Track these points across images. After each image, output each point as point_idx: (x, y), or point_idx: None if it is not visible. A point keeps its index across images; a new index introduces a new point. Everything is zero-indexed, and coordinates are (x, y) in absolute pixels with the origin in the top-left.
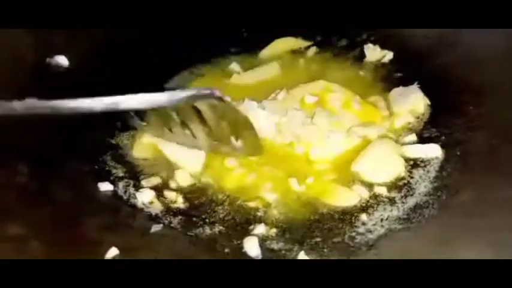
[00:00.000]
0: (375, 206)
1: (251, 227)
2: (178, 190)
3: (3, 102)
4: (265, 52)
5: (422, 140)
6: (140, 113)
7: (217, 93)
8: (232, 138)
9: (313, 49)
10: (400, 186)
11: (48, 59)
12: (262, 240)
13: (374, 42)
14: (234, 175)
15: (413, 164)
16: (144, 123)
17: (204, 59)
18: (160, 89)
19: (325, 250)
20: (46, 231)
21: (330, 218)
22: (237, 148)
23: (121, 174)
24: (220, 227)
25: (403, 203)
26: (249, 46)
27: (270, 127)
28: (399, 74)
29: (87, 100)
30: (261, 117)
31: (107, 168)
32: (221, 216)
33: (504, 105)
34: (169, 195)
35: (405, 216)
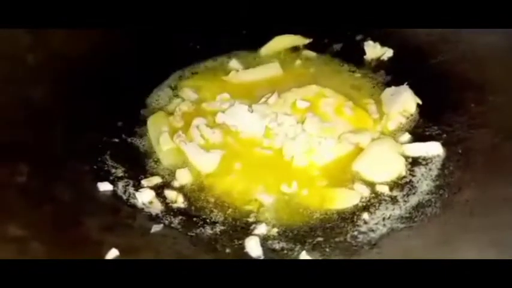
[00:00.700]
0: (377, 204)
1: (252, 226)
2: (179, 189)
3: None
4: (265, 49)
5: (423, 138)
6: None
7: None
8: None
9: (313, 47)
10: (402, 184)
11: None
12: (264, 240)
13: (374, 40)
14: (228, 178)
15: (415, 162)
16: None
17: (203, 56)
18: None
19: (327, 250)
20: (46, 232)
21: (332, 217)
22: None
23: (120, 174)
24: (221, 227)
25: (405, 201)
26: (248, 43)
27: (259, 131)
28: (398, 73)
29: None
30: (250, 120)
31: (106, 168)
32: (222, 216)
33: (506, 102)
34: (170, 194)
35: (407, 215)
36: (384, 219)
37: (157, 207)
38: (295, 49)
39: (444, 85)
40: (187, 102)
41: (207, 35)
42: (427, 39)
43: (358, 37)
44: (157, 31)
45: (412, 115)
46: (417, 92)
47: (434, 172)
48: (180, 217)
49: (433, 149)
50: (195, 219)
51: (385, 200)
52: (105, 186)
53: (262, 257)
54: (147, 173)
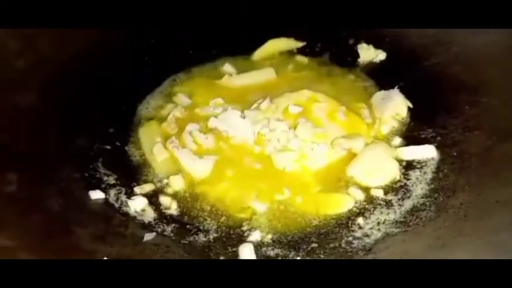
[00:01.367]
0: (372, 209)
1: (246, 233)
2: (173, 196)
3: None
4: (259, 53)
5: (418, 141)
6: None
7: None
8: None
9: (306, 50)
10: (396, 188)
11: None
12: (258, 247)
13: (368, 42)
14: (221, 186)
15: (410, 165)
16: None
17: (197, 60)
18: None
19: (321, 256)
20: (36, 242)
21: (326, 223)
22: None
23: (112, 182)
24: (215, 235)
25: (400, 205)
26: (242, 47)
27: (251, 137)
28: (392, 75)
29: None
30: (242, 126)
31: (98, 176)
32: (215, 223)
33: (499, 104)
34: (164, 200)
35: (402, 219)
36: (378, 223)
37: (149, 215)
38: (289, 53)
39: (438, 87)
40: (180, 108)
41: (200, 39)
42: (420, 42)
43: (352, 40)
44: (150, 35)
45: (403, 118)
46: (411, 95)
47: (429, 175)
48: (173, 225)
49: (427, 152)
50: (188, 226)
51: (380, 205)
52: (96, 195)
53: None
54: (139, 181)
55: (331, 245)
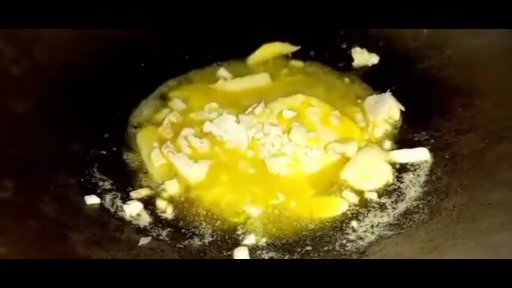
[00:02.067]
0: (366, 212)
1: (241, 237)
2: (169, 200)
3: None
4: (253, 57)
5: (411, 143)
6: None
7: None
8: None
9: (300, 55)
10: (390, 191)
11: None
12: (252, 251)
13: (361, 46)
14: (215, 190)
15: (403, 168)
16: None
17: (192, 64)
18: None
19: (316, 259)
20: (31, 247)
21: (321, 226)
22: None
23: (108, 187)
24: (210, 238)
25: (393, 208)
26: (237, 51)
27: (245, 142)
28: (386, 79)
29: None
30: (237, 131)
31: (94, 181)
32: (210, 227)
33: (493, 107)
34: (160, 204)
35: (396, 222)
36: (372, 226)
37: (145, 220)
38: (284, 57)
39: (431, 90)
40: (175, 113)
41: (195, 44)
42: (414, 45)
43: (345, 44)
44: (145, 40)
45: (396, 121)
46: (405, 98)
47: (422, 178)
48: (168, 229)
49: (421, 155)
50: (183, 230)
51: (373, 207)
52: (92, 200)
53: None
54: (135, 186)
55: (325, 248)
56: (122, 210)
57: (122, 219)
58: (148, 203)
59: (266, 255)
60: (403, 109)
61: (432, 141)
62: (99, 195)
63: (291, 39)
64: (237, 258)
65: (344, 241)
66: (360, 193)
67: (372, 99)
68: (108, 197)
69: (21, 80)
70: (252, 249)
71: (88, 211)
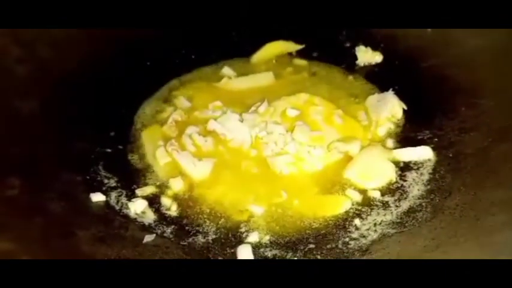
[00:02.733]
0: (369, 210)
1: (244, 235)
2: (173, 198)
3: None
4: (257, 56)
5: (415, 142)
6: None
7: None
8: None
9: (304, 53)
10: (393, 190)
11: None
12: (256, 248)
13: (365, 44)
14: (219, 188)
15: (407, 167)
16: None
17: (196, 63)
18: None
19: (318, 256)
20: (37, 244)
21: (324, 225)
22: None
23: (113, 184)
24: (214, 236)
25: (396, 206)
26: (241, 50)
27: (248, 141)
28: (389, 77)
29: None
30: (240, 130)
31: (99, 179)
32: (214, 225)
33: (495, 106)
34: (165, 201)
35: (399, 220)
36: (375, 224)
37: (149, 217)
38: (288, 55)
39: (435, 89)
40: (179, 111)
41: (200, 43)
42: (418, 44)
43: (349, 43)
44: (150, 39)
45: (399, 120)
46: (408, 96)
47: (426, 177)
48: (172, 226)
49: (424, 154)
50: (187, 228)
51: (376, 206)
52: (97, 197)
53: None
54: (140, 183)
55: (328, 246)
56: (127, 208)
57: (126, 217)
58: (153, 201)
59: (269, 253)
60: (405, 108)
61: (436, 139)
62: (105, 193)
63: (294, 38)
64: (241, 255)
65: (347, 239)
66: (363, 191)
67: (374, 98)
68: (113, 194)
69: (27, 81)
70: (256, 246)
71: (93, 208)
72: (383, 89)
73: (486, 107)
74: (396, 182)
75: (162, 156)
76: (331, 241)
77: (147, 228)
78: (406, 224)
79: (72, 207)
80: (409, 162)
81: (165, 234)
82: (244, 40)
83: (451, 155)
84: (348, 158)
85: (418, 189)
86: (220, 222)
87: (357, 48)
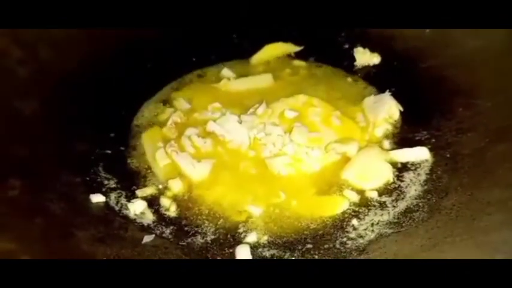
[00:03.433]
0: (366, 210)
1: (242, 235)
2: (172, 199)
3: None
4: (257, 57)
5: (413, 143)
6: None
7: None
8: None
9: (303, 54)
10: (390, 190)
11: None
12: (254, 248)
13: (364, 45)
14: (218, 189)
15: (404, 167)
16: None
17: (195, 65)
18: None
19: (316, 256)
20: (37, 244)
21: (321, 224)
22: None
23: (113, 186)
24: (212, 236)
25: (394, 207)
26: (240, 51)
27: (246, 142)
28: (387, 78)
29: None
30: (238, 131)
31: (99, 180)
32: (213, 226)
33: (493, 106)
34: (164, 202)
35: (396, 220)
36: (372, 224)
37: (149, 218)
38: (287, 57)
39: (433, 90)
40: (179, 113)
41: (199, 44)
42: (416, 45)
43: (348, 44)
44: (149, 41)
45: (395, 121)
46: (406, 97)
47: (423, 177)
48: (171, 227)
49: (421, 154)
50: (186, 229)
51: (374, 206)
52: (97, 198)
53: None
54: (139, 184)
55: (326, 246)
56: (127, 209)
57: (126, 217)
58: (152, 202)
59: (267, 253)
60: (401, 109)
61: (433, 140)
62: (104, 194)
63: (293, 39)
64: (239, 255)
65: (344, 239)
66: (360, 192)
67: (370, 100)
68: (113, 195)
69: (27, 82)
70: (254, 247)
71: (93, 209)
72: (381, 90)
73: (483, 107)
74: (393, 182)
75: (161, 157)
76: (328, 241)
77: (146, 229)
78: (403, 224)
79: (72, 208)
80: (407, 162)
81: (164, 235)
82: (243, 42)
83: (448, 156)
84: (346, 159)
85: (415, 190)
86: (219, 223)
87: (355, 50)
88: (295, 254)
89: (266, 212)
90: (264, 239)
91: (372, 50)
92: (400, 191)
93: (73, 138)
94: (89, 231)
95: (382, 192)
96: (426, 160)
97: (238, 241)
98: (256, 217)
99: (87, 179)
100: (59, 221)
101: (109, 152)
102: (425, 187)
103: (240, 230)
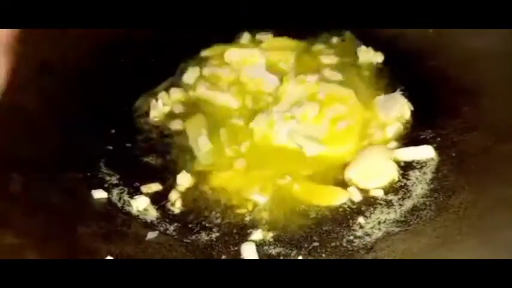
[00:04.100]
0: (372, 209)
1: (248, 231)
2: (178, 194)
3: None
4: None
5: (418, 142)
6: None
7: None
8: None
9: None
10: (397, 188)
11: None
12: (260, 246)
13: (367, 45)
14: (223, 176)
15: (410, 166)
16: None
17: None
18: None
19: (323, 255)
20: (40, 240)
21: (328, 222)
22: None
23: (115, 181)
24: (217, 233)
25: (400, 205)
26: None
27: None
28: (392, 77)
29: None
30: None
31: (101, 176)
32: (217, 221)
33: (499, 105)
34: (171, 197)
35: (403, 219)
36: (379, 223)
37: (152, 214)
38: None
39: (438, 89)
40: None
41: (199, 45)
42: (420, 44)
43: (352, 40)
44: (150, 39)
45: (406, 120)
46: (411, 96)
47: (429, 176)
48: (175, 224)
49: (426, 153)
50: (190, 225)
51: (380, 204)
52: (99, 194)
53: None
54: (142, 180)
55: (333, 244)
56: (129, 205)
57: (129, 214)
58: (157, 198)
59: (273, 251)
60: (412, 109)
61: (438, 139)
62: (107, 190)
63: (296, 38)
64: (245, 253)
65: (351, 237)
66: (365, 190)
67: (382, 99)
68: (115, 191)
69: (29, 78)
70: (259, 244)
71: (95, 205)
72: (385, 89)
73: (489, 106)
74: (399, 181)
75: (203, 144)
76: (335, 239)
77: (150, 226)
78: (411, 223)
79: (74, 204)
80: (412, 161)
81: (168, 232)
82: (244, 38)
83: (454, 154)
84: (350, 156)
85: (422, 188)
86: (224, 220)
87: (358, 49)
88: (302, 252)
89: (271, 199)
90: (270, 235)
91: (375, 49)
92: (407, 189)
93: (74, 135)
94: (91, 228)
95: (388, 190)
96: (432, 159)
97: (244, 239)
98: (262, 207)
99: (89, 175)
100: (61, 217)
101: (111, 148)
102: (432, 186)
103: (246, 221)
